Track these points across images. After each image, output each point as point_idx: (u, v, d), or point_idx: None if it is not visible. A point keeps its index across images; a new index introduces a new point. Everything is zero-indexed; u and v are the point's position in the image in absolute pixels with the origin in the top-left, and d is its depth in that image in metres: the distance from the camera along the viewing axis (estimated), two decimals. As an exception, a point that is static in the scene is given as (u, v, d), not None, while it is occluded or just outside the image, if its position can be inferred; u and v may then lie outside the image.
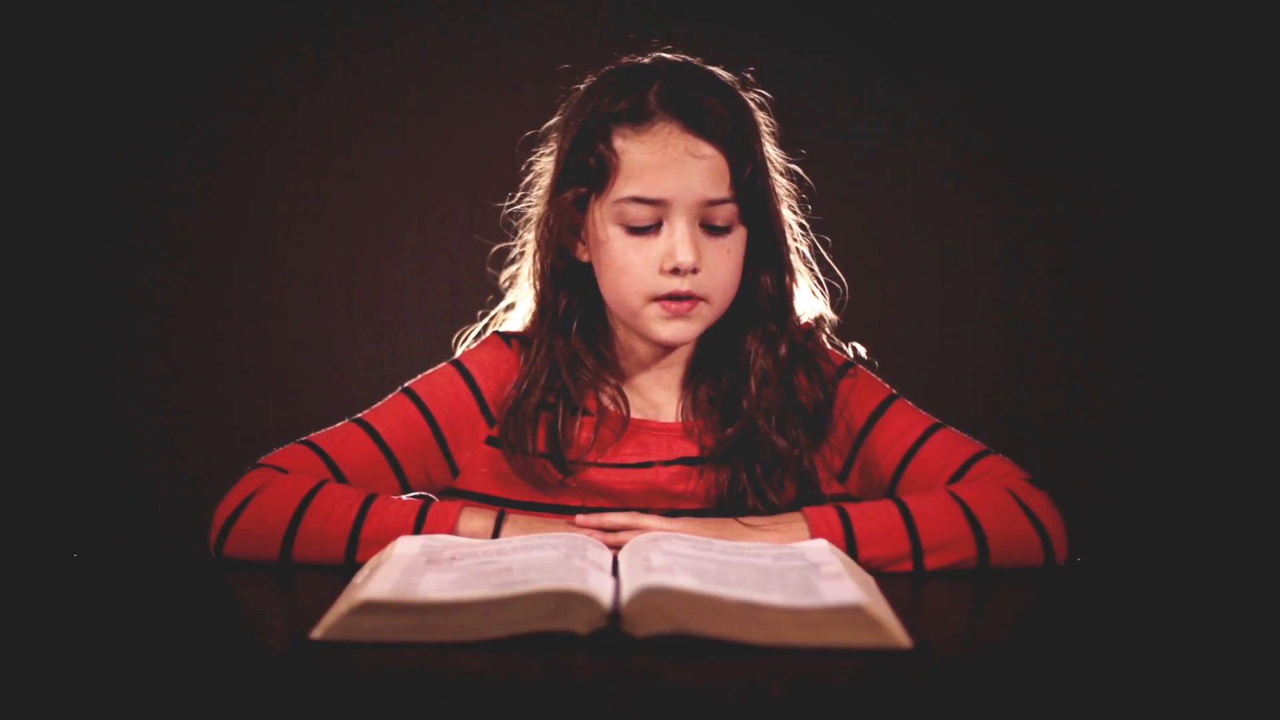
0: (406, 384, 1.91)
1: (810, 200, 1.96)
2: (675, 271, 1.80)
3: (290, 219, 3.11)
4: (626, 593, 1.33)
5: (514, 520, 1.75)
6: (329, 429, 1.87)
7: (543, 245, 1.90)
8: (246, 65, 3.08)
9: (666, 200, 1.80)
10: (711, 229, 1.82)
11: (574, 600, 1.30)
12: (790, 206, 1.94)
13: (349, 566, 1.69)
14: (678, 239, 1.80)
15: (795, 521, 1.76)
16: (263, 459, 1.83)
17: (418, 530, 1.71)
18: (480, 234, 2.08)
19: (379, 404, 1.90)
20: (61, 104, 3.01)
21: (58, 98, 3.00)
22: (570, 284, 1.90)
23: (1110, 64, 3.06)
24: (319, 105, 3.10)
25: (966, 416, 1.96)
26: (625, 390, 1.90)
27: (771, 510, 1.83)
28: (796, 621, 1.29)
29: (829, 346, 1.95)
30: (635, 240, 1.82)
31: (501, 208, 1.99)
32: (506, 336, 1.95)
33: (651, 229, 1.81)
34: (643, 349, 1.90)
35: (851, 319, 1.98)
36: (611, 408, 1.88)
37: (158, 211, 3.07)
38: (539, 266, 1.91)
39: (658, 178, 1.80)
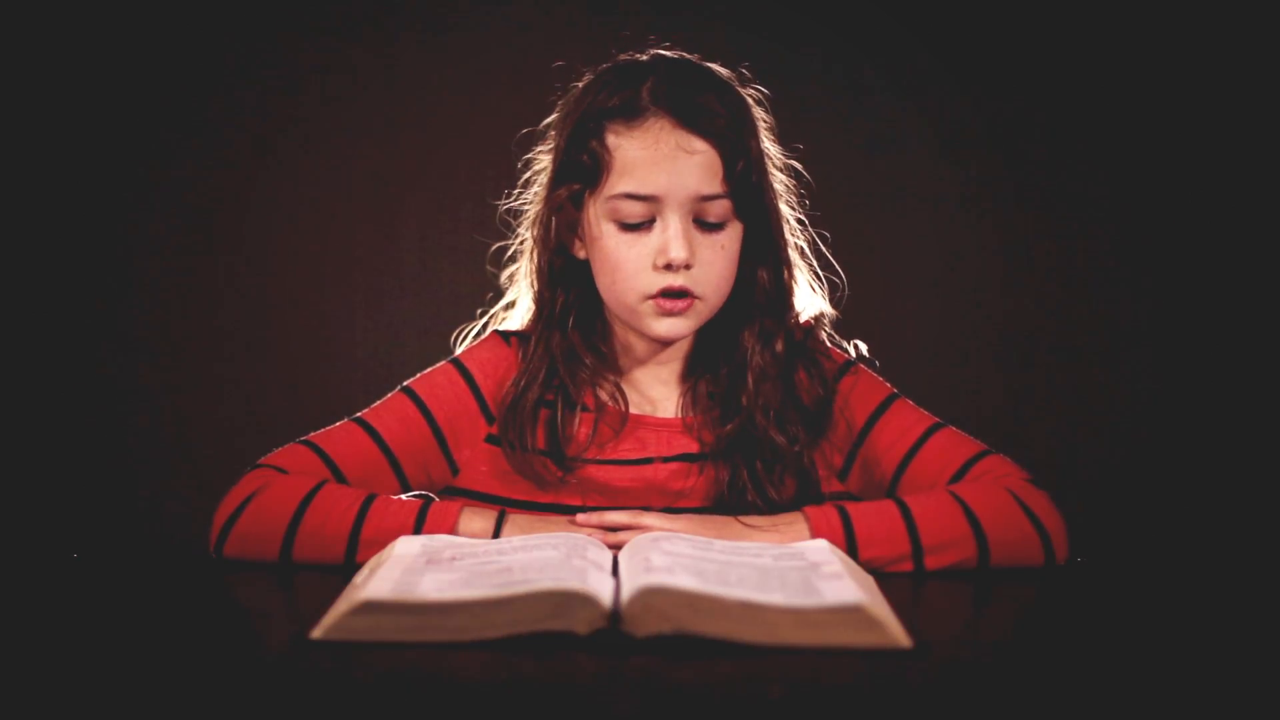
0: (405, 383, 1.91)
1: (810, 196, 1.95)
2: (668, 267, 1.79)
3: (289, 217, 3.11)
4: (626, 593, 1.33)
5: (514, 520, 1.75)
6: (328, 429, 1.87)
7: (540, 243, 1.90)
8: (244, 63, 3.08)
9: (658, 196, 1.80)
10: (705, 225, 1.82)
11: (574, 600, 1.30)
12: (788, 202, 1.93)
13: (349, 567, 1.68)
14: (670, 235, 1.79)
15: (796, 522, 1.76)
16: (262, 459, 1.83)
17: (418, 530, 1.71)
18: (479, 232, 2.08)
19: (378, 403, 1.90)
20: (63, 104, 3.01)
21: (59, 99, 3.00)
22: (568, 281, 1.90)
23: (1110, 58, 3.06)
24: (317, 103, 3.10)
25: (966, 416, 1.96)
26: (623, 386, 1.90)
27: (772, 507, 1.83)
28: (796, 621, 1.29)
29: (830, 345, 1.95)
30: (629, 236, 1.82)
31: (500, 205, 1.99)
32: (505, 335, 1.95)
33: (645, 225, 1.81)
34: (640, 345, 1.90)
35: (851, 315, 1.98)
36: (610, 403, 1.88)
37: (157, 211, 3.07)
38: (537, 264, 1.91)
39: (649, 174, 1.79)
